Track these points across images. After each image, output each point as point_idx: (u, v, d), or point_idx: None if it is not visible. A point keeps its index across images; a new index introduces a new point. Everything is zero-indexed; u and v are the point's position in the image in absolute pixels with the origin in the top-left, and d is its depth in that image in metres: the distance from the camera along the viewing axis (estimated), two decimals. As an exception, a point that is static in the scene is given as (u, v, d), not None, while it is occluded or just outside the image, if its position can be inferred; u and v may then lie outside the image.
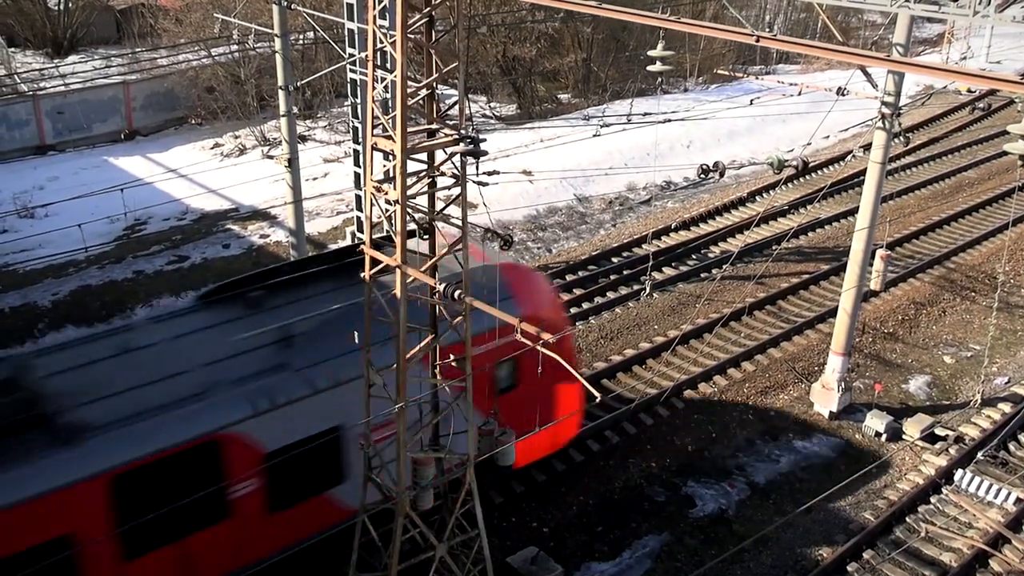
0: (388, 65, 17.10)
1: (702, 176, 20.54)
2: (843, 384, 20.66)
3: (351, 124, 22.38)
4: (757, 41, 10.57)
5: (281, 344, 13.76)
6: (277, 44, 21.37)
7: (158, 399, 12.46)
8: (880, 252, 19.86)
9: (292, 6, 21.19)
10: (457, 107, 11.55)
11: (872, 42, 57.56)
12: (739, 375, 21.94)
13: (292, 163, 22.23)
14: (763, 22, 52.88)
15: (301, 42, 38.95)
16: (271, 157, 33.59)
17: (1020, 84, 9.09)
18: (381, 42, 11.38)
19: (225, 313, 14.34)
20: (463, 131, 11.46)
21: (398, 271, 11.18)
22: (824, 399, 20.68)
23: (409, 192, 11.18)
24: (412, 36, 11.09)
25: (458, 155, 11.47)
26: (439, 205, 12.09)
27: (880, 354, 22.89)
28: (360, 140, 22.01)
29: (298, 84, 22.35)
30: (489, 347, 10.87)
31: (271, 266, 15.79)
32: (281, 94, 21.76)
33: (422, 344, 12.06)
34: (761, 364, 22.45)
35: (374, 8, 11.36)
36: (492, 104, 43.75)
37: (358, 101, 21.49)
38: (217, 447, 12.55)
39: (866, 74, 17.86)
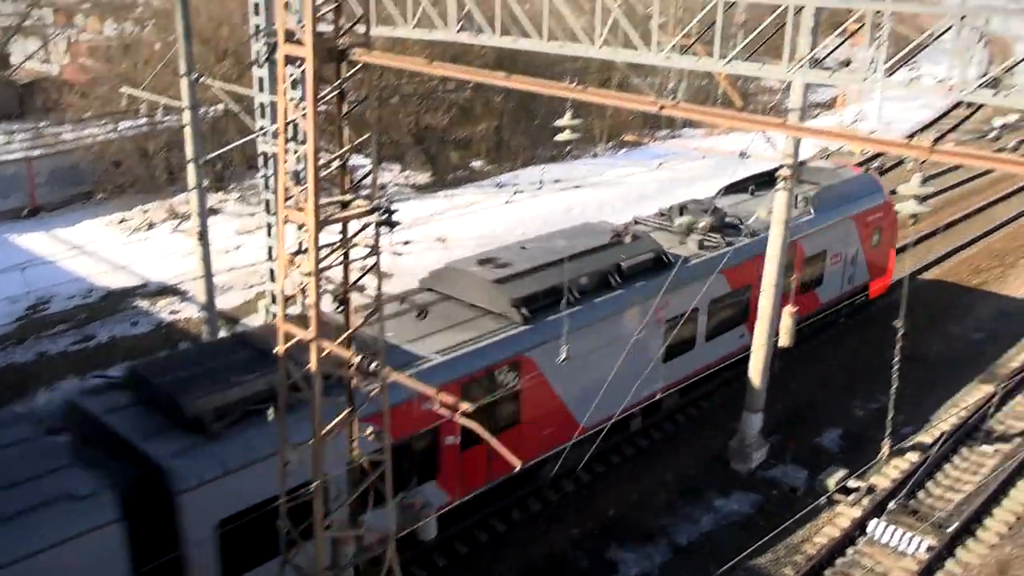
0: (300, 137, 17.11)
1: (615, 239, 20.96)
2: (758, 441, 21.02)
3: (263, 196, 22.22)
4: (660, 109, 10.90)
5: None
6: (186, 117, 21.19)
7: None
8: (787, 308, 20.41)
9: (201, 79, 21.09)
10: (370, 177, 11.60)
11: (771, 107, 59.93)
12: (658, 436, 22.14)
13: (202, 236, 21.90)
14: (667, 89, 54.61)
15: (211, 114, 38.72)
16: (181, 231, 33.06)
17: (904, 147, 9.59)
18: (292, 114, 11.39)
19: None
20: (376, 201, 11.50)
21: (312, 345, 11.05)
22: (740, 457, 20.99)
23: (323, 264, 11.12)
24: (323, 108, 11.14)
25: (372, 225, 11.48)
26: (354, 276, 12.04)
27: (793, 409, 23.38)
28: (273, 212, 21.85)
29: (208, 157, 22.14)
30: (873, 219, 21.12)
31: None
32: (191, 167, 21.51)
33: (339, 418, 11.88)
34: (679, 423, 22.71)
35: (284, 81, 11.40)
36: (406, 173, 44.02)
37: (270, 173, 21.38)
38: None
39: (767, 138, 18.60)
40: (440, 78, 40.42)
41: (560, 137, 13.10)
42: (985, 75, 13.01)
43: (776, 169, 26.19)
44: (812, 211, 24.91)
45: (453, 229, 32.83)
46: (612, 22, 14.88)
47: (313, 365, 11.18)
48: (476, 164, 47.22)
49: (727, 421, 22.20)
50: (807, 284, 25.01)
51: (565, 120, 12.70)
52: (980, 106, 53.66)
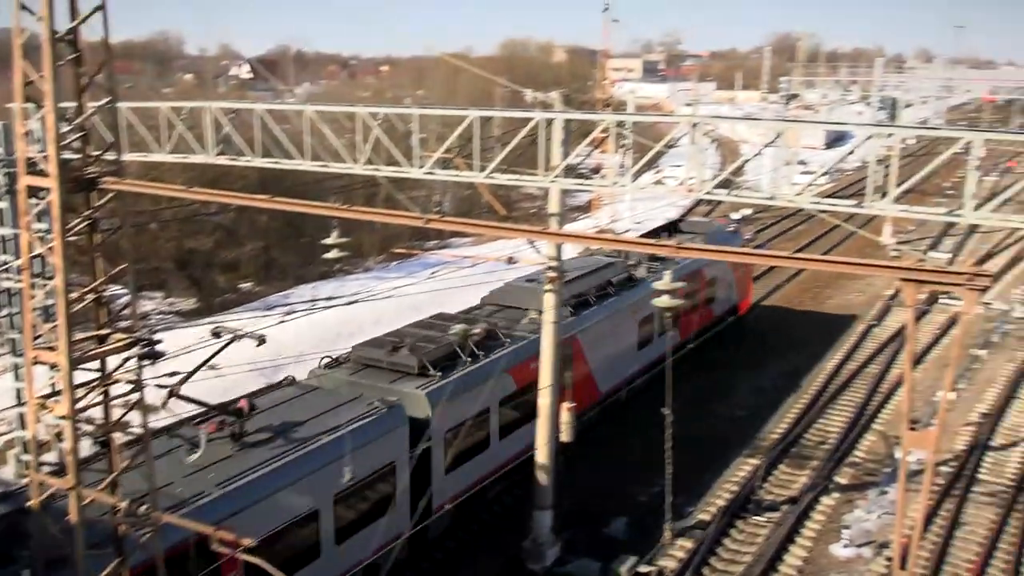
0: (48, 271, 16.03)
1: (392, 352, 21.06)
2: (550, 538, 21.22)
3: (7, 336, 20.48)
4: (426, 223, 11.18)
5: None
6: (-87, 257, 19.34)
7: None
8: (565, 405, 21.01)
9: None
10: (129, 308, 11.03)
11: (533, 212, 62.73)
12: (453, 545, 21.88)
13: (-62, 385, 19.81)
14: (433, 201, 55.96)
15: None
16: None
17: (654, 246, 10.32)
18: (38, 248, 10.70)
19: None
20: (137, 333, 10.92)
21: (72, 495, 10.17)
22: (535, 556, 21.08)
23: (80, 404, 10.35)
24: (74, 239, 10.56)
25: (133, 359, 10.87)
26: (117, 413, 11.28)
27: (581, 502, 23.83)
28: (19, 353, 20.16)
29: (-59, 298, 20.20)
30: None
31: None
32: (-80, 311, 19.55)
33: (108, 570, 10.92)
34: (471, 531, 22.57)
35: (28, 213, 10.73)
36: (169, 300, 42.20)
37: (15, 311, 19.79)
38: None
39: (532, 243, 19.36)
40: (201, 201, 39.39)
41: (328, 255, 13.10)
42: (716, 176, 14.27)
43: (675, 220, 34.40)
44: None
45: (225, 354, 31.51)
46: (374, 140, 15.19)
47: (73, 515, 10.28)
48: (245, 286, 46.03)
49: (520, 521, 22.30)
50: (708, 301, 34.94)
51: (332, 239, 12.73)
52: (719, 202, 58.68)
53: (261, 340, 16.99)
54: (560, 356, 20.68)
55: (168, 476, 14.32)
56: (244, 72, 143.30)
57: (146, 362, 10.87)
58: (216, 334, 17.58)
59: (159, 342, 10.92)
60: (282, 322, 24.97)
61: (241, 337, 17.25)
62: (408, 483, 19.18)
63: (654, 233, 36.64)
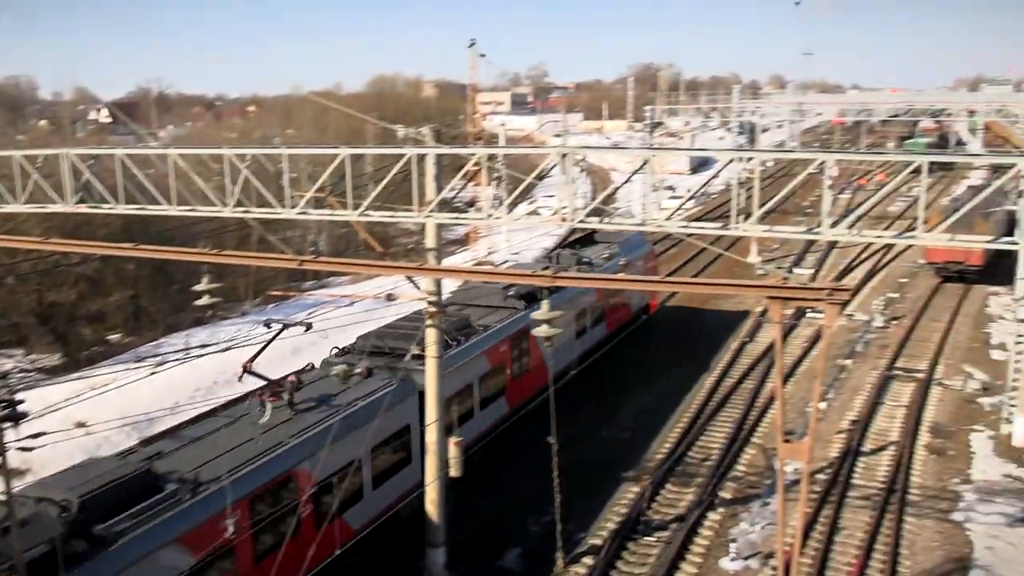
0: None
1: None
2: (445, 575, 21.00)
3: None
4: (301, 265, 10.99)
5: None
6: None
7: None
8: (452, 439, 20.90)
9: None
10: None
11: (410, 247, 62.57)
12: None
13: None
14: (308, 240, 55.12)
15: None
16: None
17: (532, 276, 10.43)
18: None
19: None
20: (-4, 395, 10.33)
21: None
22: (430, 595, 20.82)
23: (-66, 475, 9.70)
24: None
25: (-7, 423, 10.26)
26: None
27: (474, 535, 23.69)
28: None
29: None
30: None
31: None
32: None
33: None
34: (364, 574, 22.13)
35: None
36: (31, 356, 40.09)
37: None
38: None
39: (410, 279, 19.27)
40: (62, 252, 37.73)
41: (200, 302, 12.73)
42: (588, 204, 14.56)
43: (585, 232, 40.36)
44: (621, 254, 39.03)
45: (94, 410, 30.09)
46: (243, 182, 14.89)
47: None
48: (113, 337, 44.17)
49: (411, 560, 22.00)
50: (626, 299, 39.76)
51: (202, 285, 12.39)
52: (594, 230, 59.68)
53: (308, 327, 19.93)
54: (444, 388, 20.63)
55: (249, 433, 18.78)
56: (103, 116, 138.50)
57: (7, 424, 10.27)
58: (267, 324, 20.44)
59: (21, 402, 10.32)
60: (153, 373, 24.02)
61: (291, 326, 20.15)
62: (420, 443, 22.41)
63: (572, 242, 42.85)
